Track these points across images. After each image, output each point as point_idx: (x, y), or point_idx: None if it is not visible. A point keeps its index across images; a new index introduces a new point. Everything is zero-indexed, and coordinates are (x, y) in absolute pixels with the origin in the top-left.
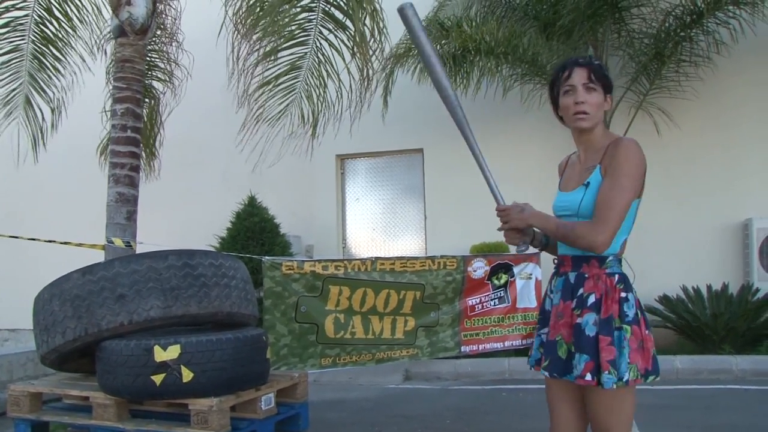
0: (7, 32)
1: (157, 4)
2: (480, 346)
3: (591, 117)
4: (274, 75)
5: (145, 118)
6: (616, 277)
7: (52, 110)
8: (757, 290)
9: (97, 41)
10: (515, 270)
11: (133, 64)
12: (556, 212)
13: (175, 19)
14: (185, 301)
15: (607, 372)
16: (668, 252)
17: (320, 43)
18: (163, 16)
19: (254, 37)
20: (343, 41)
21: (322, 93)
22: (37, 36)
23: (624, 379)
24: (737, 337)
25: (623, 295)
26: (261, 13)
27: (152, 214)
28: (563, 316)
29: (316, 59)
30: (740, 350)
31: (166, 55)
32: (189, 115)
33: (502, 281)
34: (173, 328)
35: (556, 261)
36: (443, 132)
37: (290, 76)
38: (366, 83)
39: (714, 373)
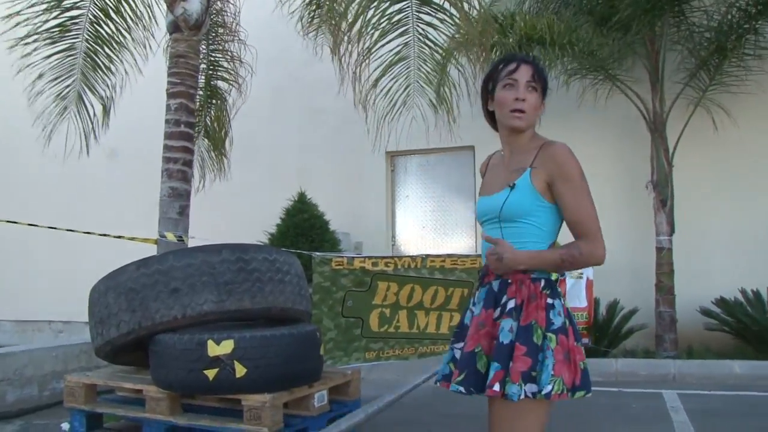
0: (62, 31)
1: (217, 2)
2: None
3: (527, 117)
4: (383, 70)
5: (213, 118)
6: (542, 282)
7: (103, 107)
8: None
9: (152, 40)
10: None
11: (187, 60)
12: (478, 217)
13: (235, 16)
14: (239, 295)
15: (516, 384)
16: (725, 253)
17: (423, 29)
18: (223, 13)
19: (353, 35)
20: (444, 20)
21: (439, 76)
22: (91, 35)
23: (545, 392)
24: None
25: (549, 301)
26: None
27: (202, 209)
28: (485, 325)
29: (426, 46)
30: None
31: (230, 54)
32: (238, 112)
33: (553, 278)
34: (227, 322)
35: (480, 273)
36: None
37: (402, 66)
38: (483, 56)
39: None
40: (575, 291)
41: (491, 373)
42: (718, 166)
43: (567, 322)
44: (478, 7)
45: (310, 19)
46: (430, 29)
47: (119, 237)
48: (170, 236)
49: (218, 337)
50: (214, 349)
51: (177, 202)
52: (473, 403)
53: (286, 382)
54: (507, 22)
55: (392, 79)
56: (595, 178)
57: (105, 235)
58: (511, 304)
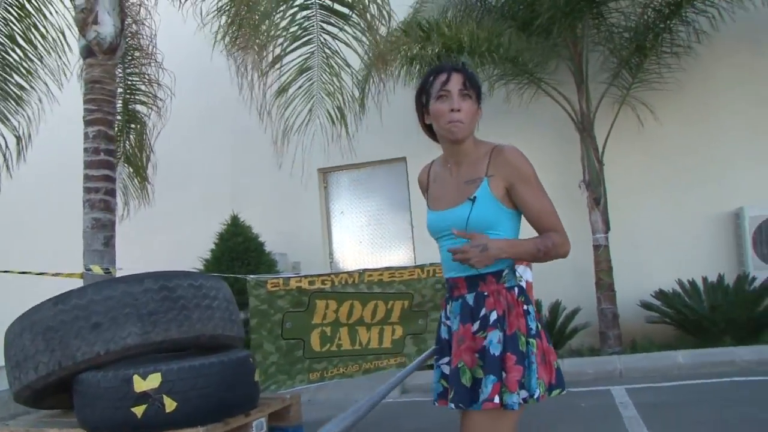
0: None
1: (132, 25)
2: None
3: (465, 126)
4: (287, 81)
5: (133, 144)
6: (516, 290)
7: (18, 139)
8: (754, 279)
9: (67, 68)
10: None
11: (102, 85)
12: (433, 232)
13: (151, 39)
14: (165, 326)
15: (515, 393)
16: (661, 247)
17: (324, 39)
18: (139, 36)
19: (255, 47)
20: (344, 29)
21: (338, 85)
22: None
23: (536, 396)
24: (738, 328)
25: (525, 308)
26: (259, 18)
27: (131, 238)
28: (464, 340)
29: (324, 55)
30: (742, 341)
31: (147, 77)
32: (166, 136)
33: None
34: (154, 355)
35: (447, 286)
36: (426, 139)
37: (305, 77)
38: (384, 68)
39: (717, 366)
40: None
41: (488, 386)
42: (647, 161)
43: (539, 325)
44: (386, 21)
45: (233, 40)
46: (340, 41)
47: (41, 274)
48: (96, 269)
49: (144, 371)
50: (141, 385)
51: (101, 233)
52: (421, 417)
53: (220, 413)
54: (433, 30)
55: (302, 85)
56: None
57: (25, 272)
58: (494, 315)
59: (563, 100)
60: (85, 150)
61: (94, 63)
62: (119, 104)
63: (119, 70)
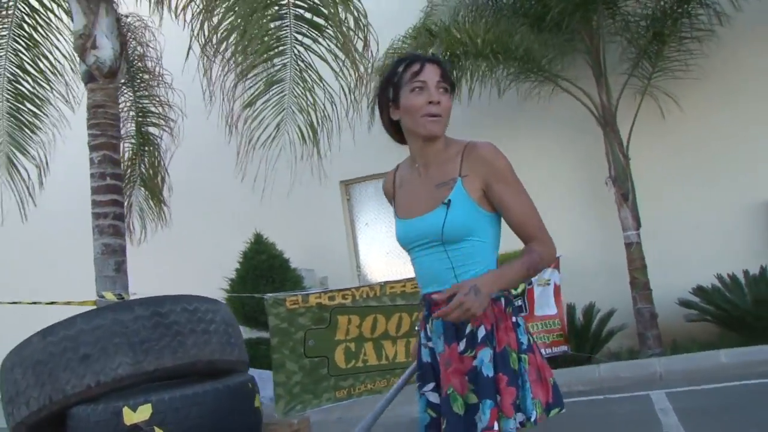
0: None
1: (137, 48)
2: None
3: (444, 122)
4: (256, 93)
5: (147, 166)
6: (502, 301)
7: (38, 167)
8: None
9: (76, 91)
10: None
11: (105, 109)
12: (404, 244)
13: (158, 60)
14: (157, 354)
15: (512, 417)
16: (696, 241)
17: (298, 51)
18: (146, 58)
19: (227, 54)
20: (317, 39)
21: (311, 100)
22: (11, 94)
23: (533, 419)
24: None
25: (514, 320)
26: (231, 21)
27: (157, 262)
28: (451, 363)
29: (297, 67)
30: None
31: (158, 99)
32: (184, 157)
33: (519, 289)
34: (148, 384)
35: (424, 303)
36: None
37: (275, 90)
38: (360, 82)
39: (764, 365)
40: (544, 298)
41: (486, 413)
42: (675, 153)
43: (531, 339)
44: (362, 34)
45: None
46: (314, 53)
47: (51, 303)
48: (109, 296)
49: (134, 403)
50: (131, 417)
51: (112, 258)
52: None
53: None
54: (441, 33)
55: (271, 97)
56: (552, 181)
57: (35, 303)
58: (482, 332)
59: (583, 95)
60: (92, 176)
61: (95, 87)
62: (132, 128)
63: (129, 93)
